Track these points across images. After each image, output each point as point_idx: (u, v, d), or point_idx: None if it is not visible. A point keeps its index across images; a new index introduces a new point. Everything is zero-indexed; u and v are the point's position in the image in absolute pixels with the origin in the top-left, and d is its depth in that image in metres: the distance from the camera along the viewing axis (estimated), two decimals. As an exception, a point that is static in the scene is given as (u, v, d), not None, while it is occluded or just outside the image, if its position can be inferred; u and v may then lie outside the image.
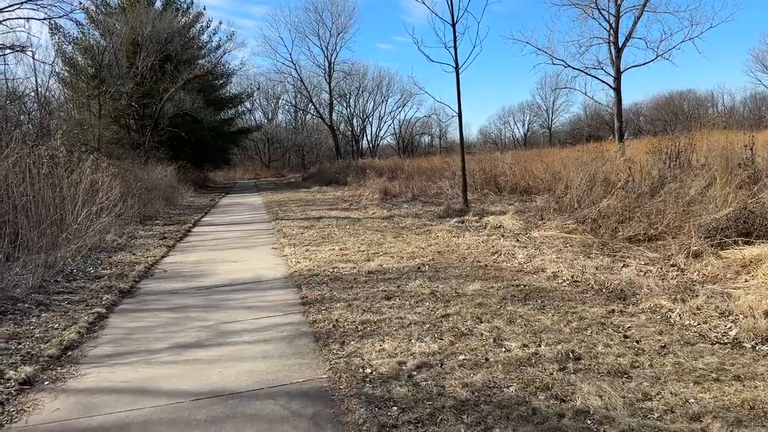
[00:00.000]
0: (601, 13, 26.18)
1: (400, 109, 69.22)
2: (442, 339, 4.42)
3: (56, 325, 5.69)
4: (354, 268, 7.67)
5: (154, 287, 7.59)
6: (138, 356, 4.73)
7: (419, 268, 7.31)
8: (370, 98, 66.48)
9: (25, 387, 4.14)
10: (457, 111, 13.80)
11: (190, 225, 15.12)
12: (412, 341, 4.43)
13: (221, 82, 39.25)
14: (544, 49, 26.91)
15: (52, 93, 27.83)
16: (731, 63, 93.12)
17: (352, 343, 4.54)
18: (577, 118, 72.68)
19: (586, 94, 23.61)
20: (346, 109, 63.56)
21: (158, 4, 34.36)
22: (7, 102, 20.61)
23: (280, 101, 64.79)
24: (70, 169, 11.39)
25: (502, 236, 9.41)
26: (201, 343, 4.98)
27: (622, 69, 27.31)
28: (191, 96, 29.81)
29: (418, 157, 40.93)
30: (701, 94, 62.71)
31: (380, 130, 70.01)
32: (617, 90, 27.68)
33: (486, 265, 7.20)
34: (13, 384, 4.14)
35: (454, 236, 9.89)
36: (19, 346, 5.06)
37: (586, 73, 27.41)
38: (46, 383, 4.22)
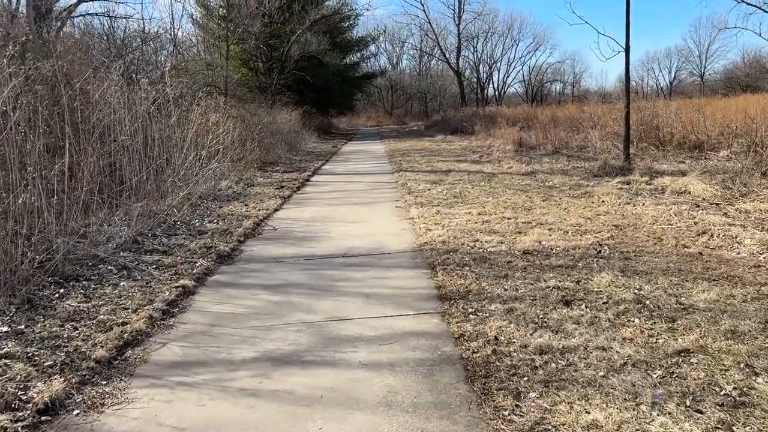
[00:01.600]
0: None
1: (531, 54, 64.44)
2: (703, 413, 2.48)
3: (128, 303, 4.39)
4: (502, 243, 5.78)
5: (258, 251, 6.21)
6: (211, 371, 3.25)
7: (598, 251, 5.25)
8: (499, 42, 62.27)
9: (42, 420, 2.77)
10: (624, 45, 11.11)
11: (310, 173, 13.89)
12: (643, 410, 2.53)
13: (347, 24, 37.76)
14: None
15: (186, 34, 27.84)
16: None
17: (533, 396, 2.71)
18: (733, 66, 63.62)
19: (760, 35, 19.20)
20: (473, 54, 60.03)
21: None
22: (142, 42, 20.42)
23: (405, 46, 62.52)
24: (184, 108, 10.37)
25: (698, 206, 7.02)
26: (299, 355, 3.41)
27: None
28: (317, 38, 28.59)
29: (550, 106, 37.30)
30: None
31: (508, 77, 65.79)
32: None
33: (700, 254, 4.99)
34: (29, 413, 2.79)
35: (627, 203, 7.62)
36: (72, 334, 3.79)
37: (762, 10, 22.40)
38: (74, 414, 2.83)
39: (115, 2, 21.17)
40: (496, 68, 64.57)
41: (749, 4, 23.48)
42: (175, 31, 23.09)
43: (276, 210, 8.81)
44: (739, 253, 4.98)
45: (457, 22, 43.11)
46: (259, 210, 8.57)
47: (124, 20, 21.61)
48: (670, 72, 69.57)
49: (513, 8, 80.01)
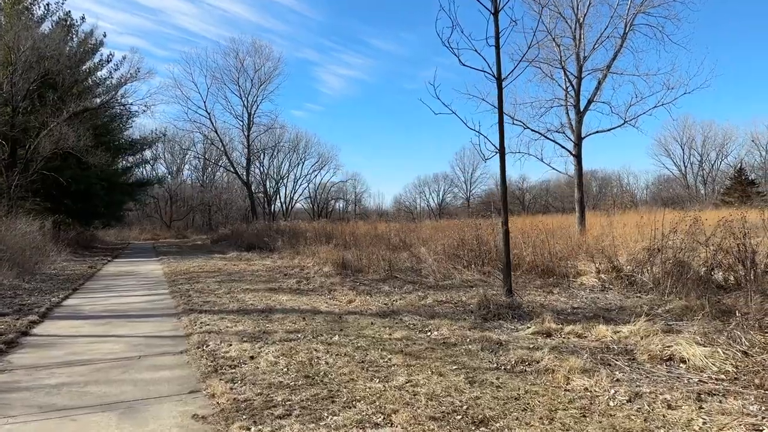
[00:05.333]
0: (566, 74, 22.28)
1: (316, 172, 63.84)
2: None
3: None
4: None
5: None
6: None
7: None
8: (285, 159, 60.71)
9: None
10: (497, 146, 8.38)
11: (36, 317, 8.35)
12: None
13: (117, 124, 31.87)
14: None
15: None
16: (637, 146, 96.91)
17: None
18: (489, 191, 70.77)
19: (542, 161, 19.62)
20: (260, 168, 57.26)
21: (48, 23, 27.15)
22: None
23: (187, 156, 57.13)
24: None
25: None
26: None
27: (583, 135, 23.42)
28: (77, 132, 22.49)
29: (343, 222, 35.14)
30: (609, 173, 62.54)
31: (294, 193, 64.03)
32: (577, 157, 23.64)
33: None
34: None
35: (636, 393, 4.12)
36: None
37: (545, 137, 23.16)
38: None
39: None
40: (283, 184, 62.55)
41: (533, 130, 24.10)
42: None
43: None
44: None
45: (246, 134, 39.83)
46: None
47: None
48: (438, 195, 74.81)
49: (299, 128, 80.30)
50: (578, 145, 22.60)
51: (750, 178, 43.44)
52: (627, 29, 20.65)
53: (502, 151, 8.40)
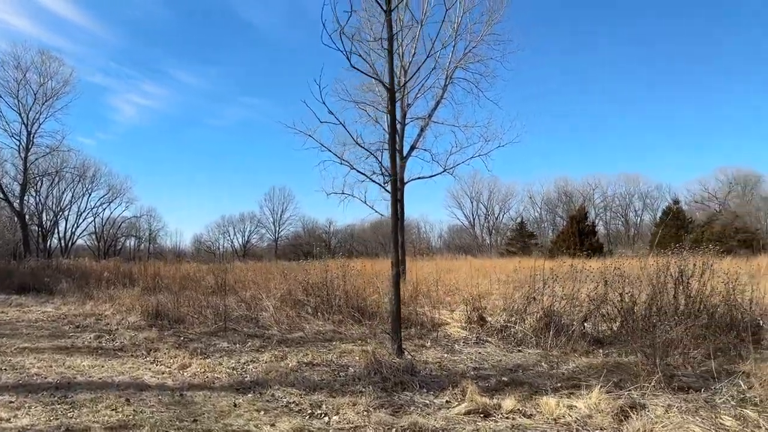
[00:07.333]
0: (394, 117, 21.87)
1: (105, 205, 55.93)
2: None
3: None
4: None
5: None
6: None
7: None
8: (68, 188, 52.09)
9: None
10: (389, 171, 6.87)
11: None
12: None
13: None
14: (328, 146, 21.11)
15: None
16: (435, 197, 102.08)
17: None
18: (297, 233, 69.43)
19: (365, 203, 18.69)
20: (36, 197, 48.14)
21: None
22: None
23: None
24: None
25: None
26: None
27: (406, 180, 23.31)
28: None
29: (136, 261, 30.39)
30: (409, 221, 65.51)
31: (77, 228, 55.09)
32: (400, 202, 23.31)
33: None
34: None
35: None
36: None
37: (371, 179, 22.46)
38: None
39: None
40: (63, 216, 53.42)
41: (359, 171, 23.11)
42: None
43: None
44: None
45: (23, 155, 32.76)
46: None
47: None
48: (243, 235, 71.03)
49: (87, 155, 69.32)
50: (401, 189, 22.20)
51: (529, 230, 48.85)
52: (447, 82, 20.96)
53: (394, 175, 6.94)
